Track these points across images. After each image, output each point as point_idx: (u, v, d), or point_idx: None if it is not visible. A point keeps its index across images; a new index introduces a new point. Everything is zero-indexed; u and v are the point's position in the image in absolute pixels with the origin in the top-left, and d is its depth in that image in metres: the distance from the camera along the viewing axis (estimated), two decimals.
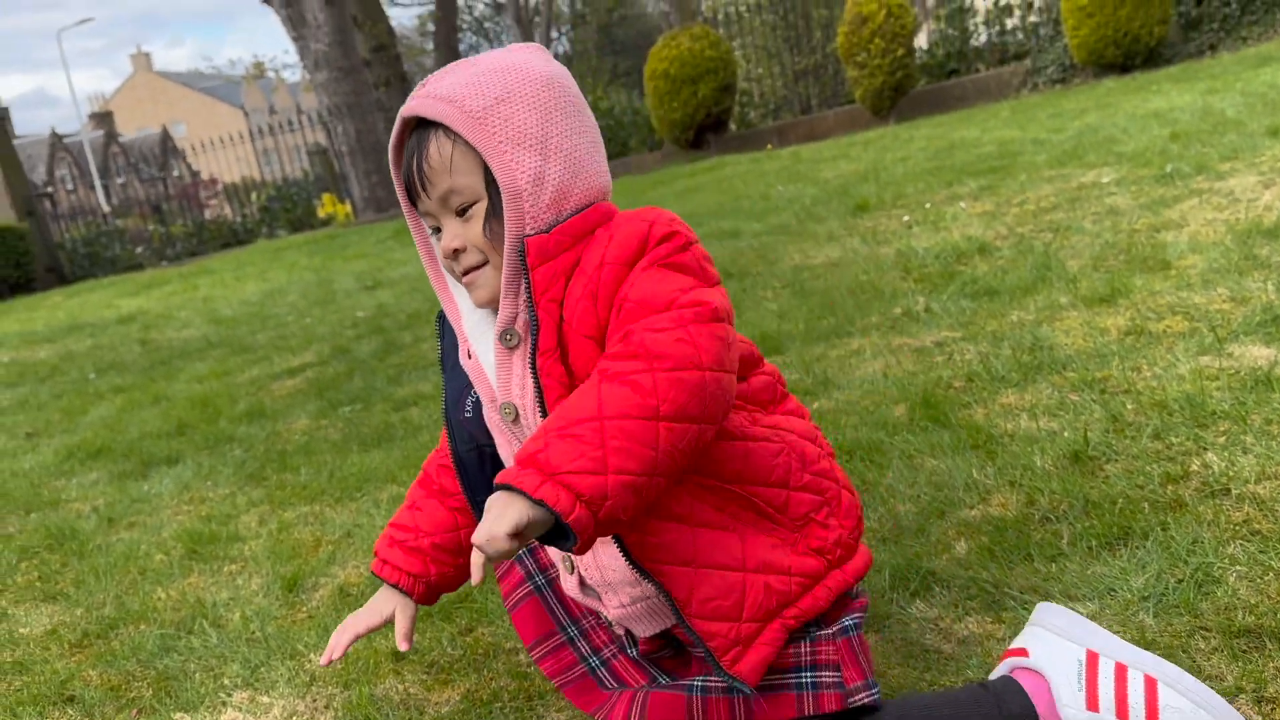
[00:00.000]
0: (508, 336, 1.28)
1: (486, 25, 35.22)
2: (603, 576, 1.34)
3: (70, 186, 47.12)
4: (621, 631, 1.43)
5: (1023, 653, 1.26)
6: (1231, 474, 1.75)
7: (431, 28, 25.55)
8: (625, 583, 1.32)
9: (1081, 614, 1.41)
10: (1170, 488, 1.75)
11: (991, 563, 1.66)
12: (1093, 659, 1.18)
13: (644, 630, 1.38)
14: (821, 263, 4.51)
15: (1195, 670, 1.30)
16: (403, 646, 1.51)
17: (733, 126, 13.39)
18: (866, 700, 1.22)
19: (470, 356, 1.37)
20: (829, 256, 4.59)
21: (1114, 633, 1.34)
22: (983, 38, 13.11)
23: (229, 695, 1.85)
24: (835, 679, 1.24)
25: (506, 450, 1.38)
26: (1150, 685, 1.14)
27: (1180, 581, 1.48)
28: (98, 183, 40.48)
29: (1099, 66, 10.31)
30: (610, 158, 13.57)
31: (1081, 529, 1.69)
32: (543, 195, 1.24)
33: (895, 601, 1.64)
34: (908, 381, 2.64)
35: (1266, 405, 1.98)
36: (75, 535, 2.97)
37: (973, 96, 11.70)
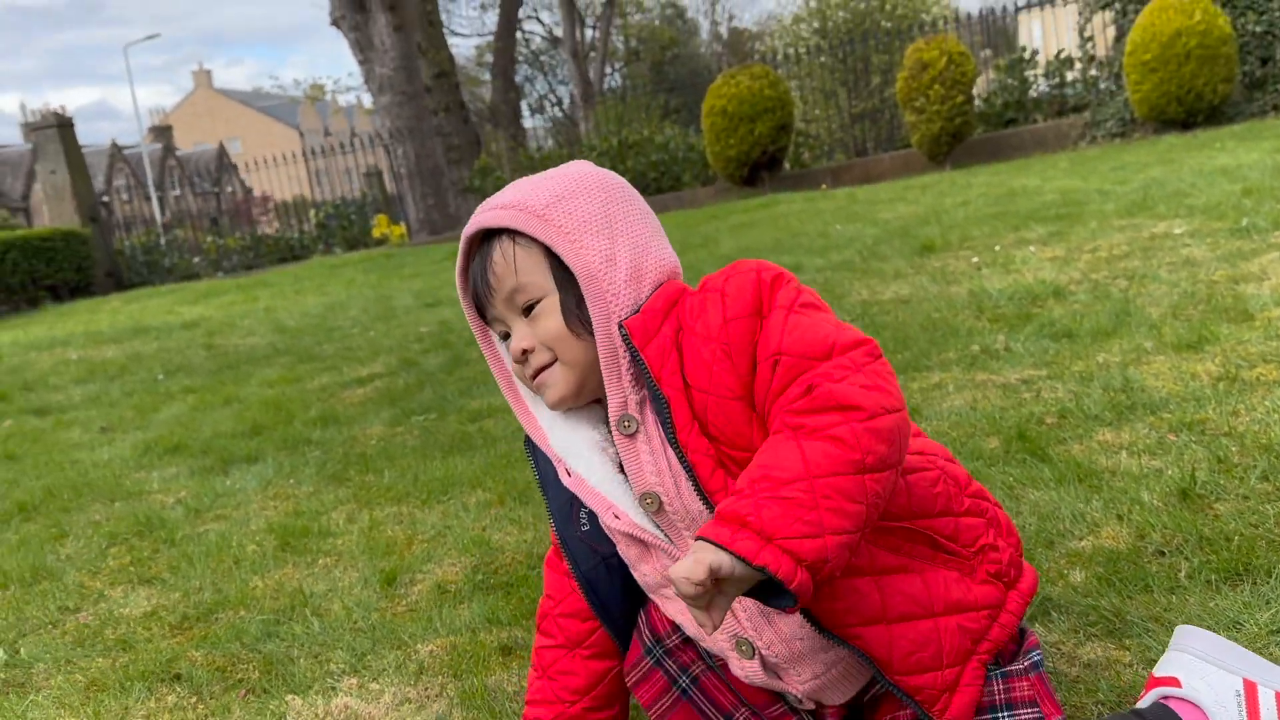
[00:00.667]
0: (626, 424, 1.25)
1: (542, 58, 35.79)
2: (788, 651, 1.28)
3: (126, 197, 48.17)
4: (810, 706, 1.35)
5: (1173, 682, 1.24)
6: None
7: (489, 58, 25.99)
8: (816, 650, 1.27)
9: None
10: None
11: (1110, 591, 1.67)
12: (1251, 689, 1.17)
13: (838, 697, 1.32)
14: (890, 299, 4.53)
15: None
16: None
17: (787, 166, 13.47)
18: None
19: (570, 474, 1.34)
20: (898, 293, 4.62)
21: None
22: (1042, 88, 13.13)
23: (337, 681, 1.89)
24: (1035, 715, 1.23)
25: (634, 551, 1.33)
26: None
27: None
28: (153, 194, 41.33)
29: (1160, 122, 10.29)
30: (663, 191, 13.70)
31: (1199, 563, 1.69)
32: (617, 274, 1.24)
33: None
34: (998, 415, 2.65)
35: None
36: (163, 524, 3.04)
37: (1030, 146, 11.70)
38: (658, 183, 13.99)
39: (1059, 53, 12.96)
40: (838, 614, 1.20)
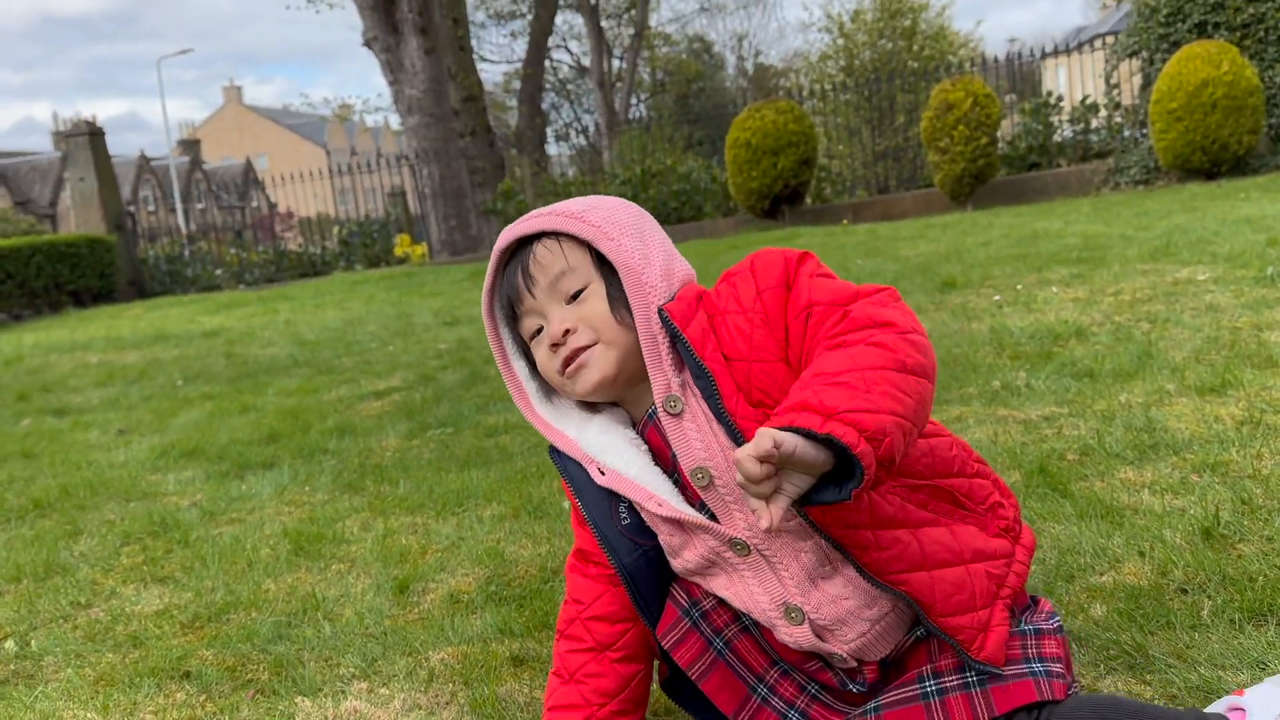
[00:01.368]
0: (671, 404, 1.32)
1: (569, 87, 36.11)
2: (835, 611, 1.33)
3: (152, 207, 48.69)
4: (853, 663, 1.38)
5: (1240, 693, 1.31)
6: None
7: (517, 85, 26.25)
8: (862, 607, 1.33)
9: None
10: None
11: (1131, 626, 1.65)
12: None
13: (880, 652, 1.37)
14: None
15: None
16: None
17: (808, 200, 13.52)
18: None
19: (604, 473, 1.39)
20: None
21: None
22: (1066, 133, 13.16)
23: (347, 685, 1.88)
24: (1061, 670, 1.30)
25: (677, 538, 1.38)
26: None
27: None
28: (179, 205, 41.76)
29: (1184, 171, 10.29)
30: (684, 221, 13.75)
31: (1222, 602, 1.67)
32: (653, 269, 1.34)
33: None
34: (1019, 450, 2.63)
35: None
36: (178, 525, 3.05)
37: (1053, 190, 11.71)
38: (679, 212, 14.05)
39: (1084, 98, 13.00)
40: (885, 562, 1.27)
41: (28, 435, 4.98)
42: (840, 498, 1.10)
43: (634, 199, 14.12)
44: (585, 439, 1.42)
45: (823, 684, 1.40)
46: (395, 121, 15.48)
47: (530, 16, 26.43)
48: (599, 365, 1.34)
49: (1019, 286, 5.21)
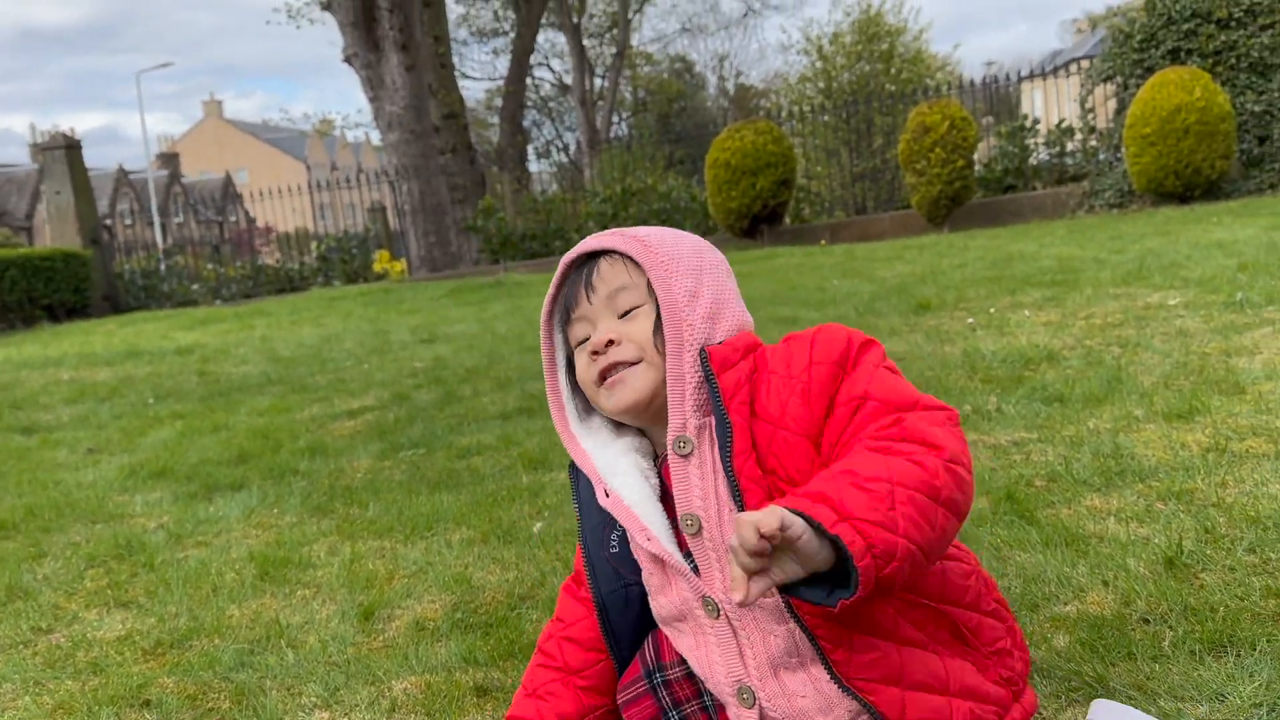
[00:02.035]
0: (681, 444, 1.30)
1: (551, 105, 36.21)
2: (789, 707, 1.27)
3: (129, 221, 48.36)
4: None
5: None
6: None
7: (499, 102, 26.30)
8: (816, 710, 1.26)
9: (1149, 713, 1.42)
10: (1273, 601, 1.75)
11: (1093, 657, 1.65)
12: None
13: None
14: None
15: None
16: None
17: (787, 220, 13.58)
18: None
19: (608, 495, 1.37)
20: (892, 350, 4.63)
21: None
22: (1042, 156, 13.29)
23: (308, 714, 1.86)
24: None
25: (657, 578, 1.36)
26: None
27: None
28: (156, 219, 41.50)
29: (1157, 195, 10.41)
30: None
31: (1183, 633, 1.68)
32: (697, 311, 1.32)
33: None
34: (988, 476, 2.64)
35: None
36: (143, 548, 3.01)
37: (1028, 213, 11.82)
38: None
39: (1060, 122, 13.15)
40: (857, 666, 1.22)
41: None
42: (825, 603, 1.07)
43: (614, 217, 14.16)
44: (602, 458, 1.41)
45: None
46: (376, 137, 15.46)
47: (512, 35, 26.53)
48: (635, 385, 1.34)
49: (992, 309, 5.25)
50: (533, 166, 30.86)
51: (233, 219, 50.68)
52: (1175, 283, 5.21)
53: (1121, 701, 1.52)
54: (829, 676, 1.22)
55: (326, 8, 15.58)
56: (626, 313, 1.36)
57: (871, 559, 1.04)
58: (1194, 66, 10.35)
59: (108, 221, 34.40)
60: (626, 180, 14.88)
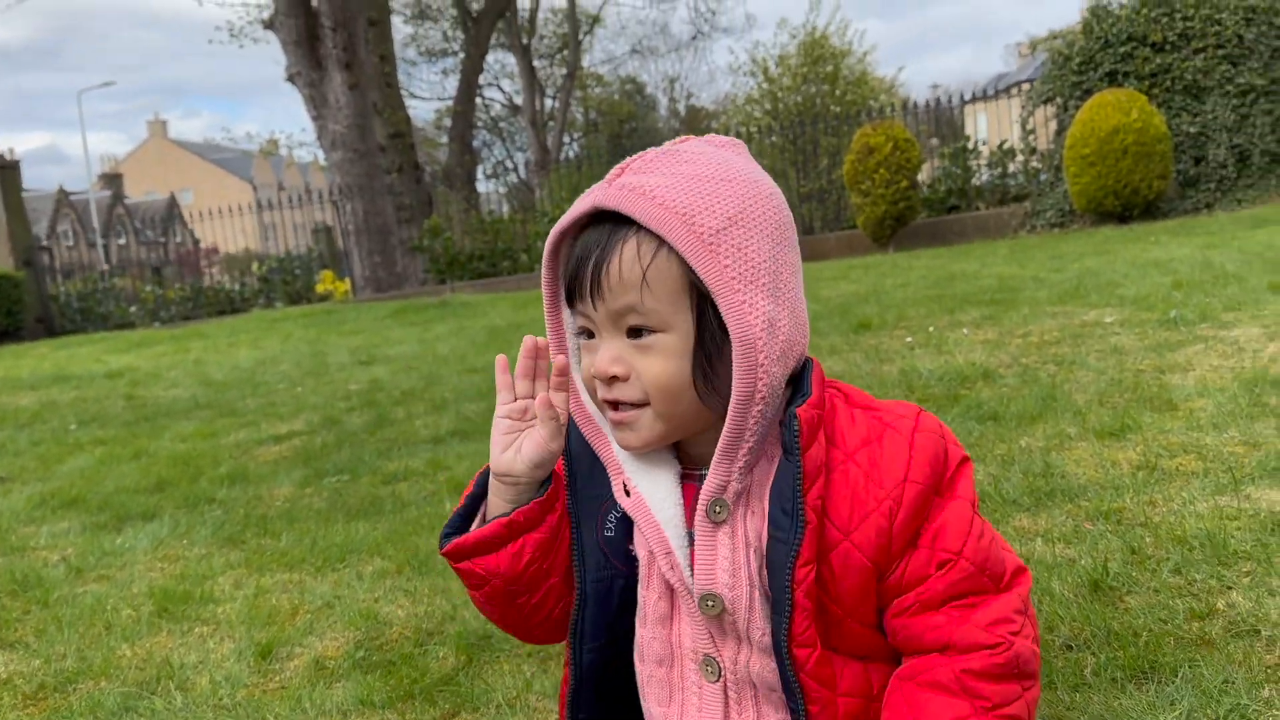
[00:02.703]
0: (716, 510, 1.08)
1: (501, 125, 36.12)
2: None
3: (70, 243, 47.36)
4: None
5: None
6: (1259, 615, 1.69)
7: (448, 123, 26.17)
8: None
9: None
10: (1196, 624, 1.69)
11: None
12: None
13: None
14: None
15: None
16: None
17: None
18: None
19: (628, 494, 1.14)
20: (831, 369, 4.58)
21: None
22: (984, 177, 13.46)
23: None
24: None
25: (662, 609, 1.15)
26: None
27: None
28: (99, 241, 40.69)
29: (1097, 214, 10.56)
30: None
31: (1105, 659, 1.62)
32: (775, 345, 1.03)
33: None
34: None
35: None
36: (40, 583, 2.85)
37: (971, 232, 11.94)
38: None
39: (1002, 143, 13.32)
40: None
41: None
42: None
43: None
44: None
45: None
46: (323, 157, 15.23)
47: (461, 55, 26.45)
48: (641, 434, 1.09)
49: (931, 328, 5.23)
50: (482, 187, 30.74)
51: (177, 240, 49.83)
52: (1112, 301, 5.24)
53: None
54: None
55: (269, 26, 15.37)
56: (638, 333, 1.07)
57: None
58: (1130, 89, 10.54)
59: (47, 243, 33.65)
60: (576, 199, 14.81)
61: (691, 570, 1.11)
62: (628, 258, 1.04)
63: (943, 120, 17.41)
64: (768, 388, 1.04)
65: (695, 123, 35.61)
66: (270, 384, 6.65)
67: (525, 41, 29.40)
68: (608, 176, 1.10)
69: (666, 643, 1.16)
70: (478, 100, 29.59)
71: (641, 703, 1.21)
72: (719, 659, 1.13)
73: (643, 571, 1.17)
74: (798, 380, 1.11)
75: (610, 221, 1.06)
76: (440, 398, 5.24)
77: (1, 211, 15.48)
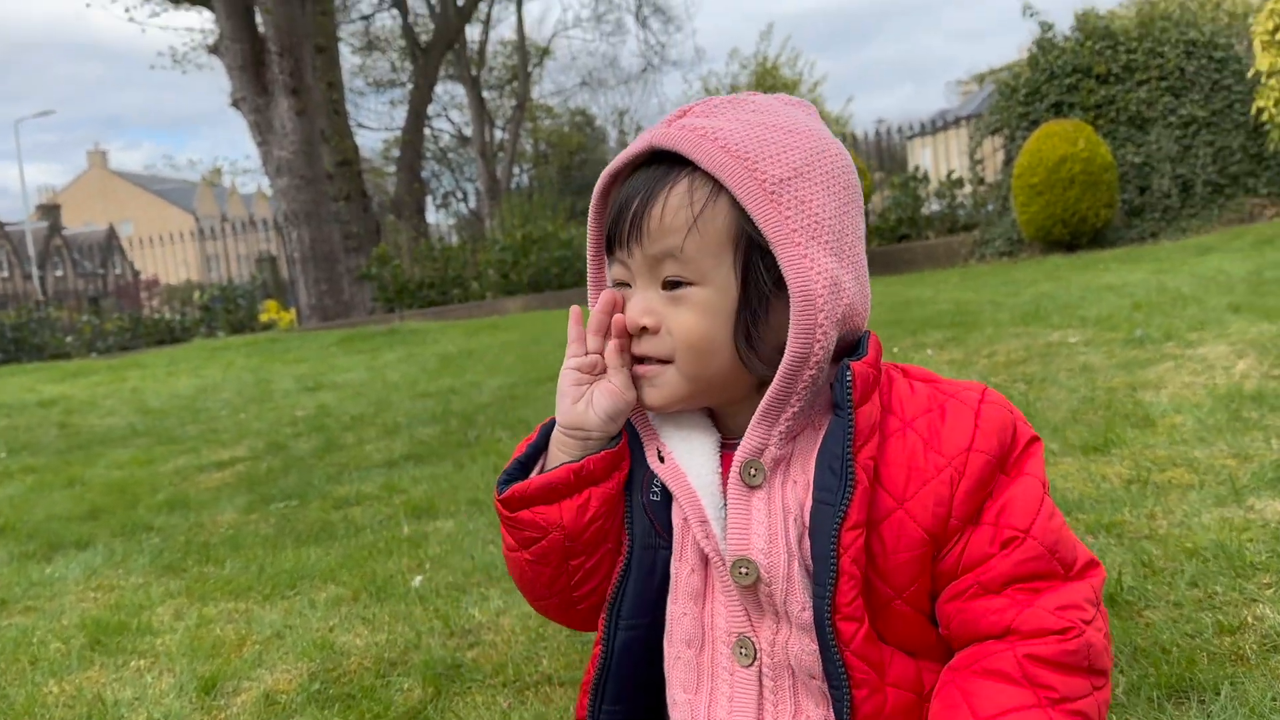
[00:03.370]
0: (751, 472, 1.00)
1: (450, 155, 35.94)
2: None
3: (5, 274, 46.07)
4: None
5: None
6: None
7: (396, 153, 25.94)
8: None
9: None
10: (1228, 639, 1.58)
11: None
12: None
13: None
14: None
15: None
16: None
17: None
18: None
19: (662, 460, 1.06)
20: None
21: None
22: (934, 207, 13.59)
23: None
24: None
25: (695, 582, 1.07)
26: None
27: None
28: (34, 272, 39.62)
29: (1046, 243, 10.67)
30: (569, 287, 13.58)
31: (1137, 678, 1.50)
32: (837, 308, 0.97)
33: None
34: None
35: None
36: None
37: (922, 261, 12.01)
38: (560, 279, 13.88)
39: (950, 173, 13.47)
40: None
41: None
42: None
43: (514, 265, 13.89)
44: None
45: None
46: (269, 187, 14.93)
47: (410, 86, 26.27)
48: (665, 392, 1.02)
49: (895, 349, 5.16)
50: (431, 217, 30.48)
51: (116, 272, 48.69)
52: (1074, 321, 5.22)
53: None
54: None
55: (214, 51, 15.09)
56: (674, 285, 0.99)
57: None
58: (1076, 119, 10.70)
59: None
60: (527, 227, 14.67)
61: (725, 537, 1.03)
62: (674, 201, 0.98)
63: (887, 154, 17.60)
64: (824, 350, 0.96)
65: None
66: (212, 411, 6.38)
67: (474, 73, 29.31)
68: (667, 117, 1.03)
69: (698, 621, 1.07)
70: (426, 131, 29.40)
71: (667, 690, 1.09)
72: (755, 640, 1.03)
73: (676, 541, 1.07)
74: (850, 350, 1.01)
75: (666, 163, 1.00)
76: (392, 422, 5.03)
77: None
